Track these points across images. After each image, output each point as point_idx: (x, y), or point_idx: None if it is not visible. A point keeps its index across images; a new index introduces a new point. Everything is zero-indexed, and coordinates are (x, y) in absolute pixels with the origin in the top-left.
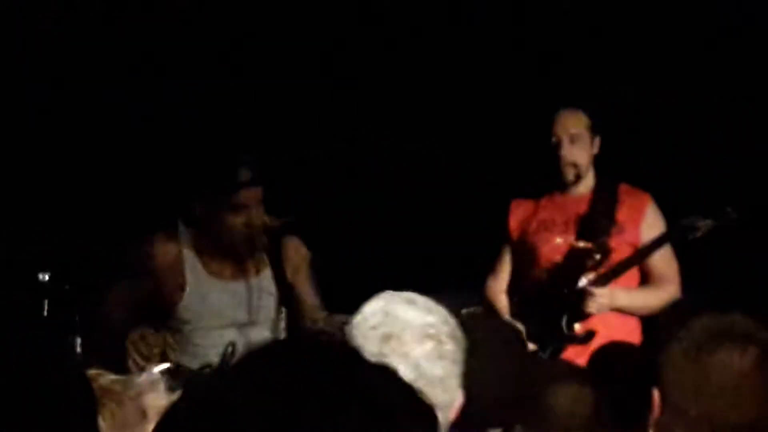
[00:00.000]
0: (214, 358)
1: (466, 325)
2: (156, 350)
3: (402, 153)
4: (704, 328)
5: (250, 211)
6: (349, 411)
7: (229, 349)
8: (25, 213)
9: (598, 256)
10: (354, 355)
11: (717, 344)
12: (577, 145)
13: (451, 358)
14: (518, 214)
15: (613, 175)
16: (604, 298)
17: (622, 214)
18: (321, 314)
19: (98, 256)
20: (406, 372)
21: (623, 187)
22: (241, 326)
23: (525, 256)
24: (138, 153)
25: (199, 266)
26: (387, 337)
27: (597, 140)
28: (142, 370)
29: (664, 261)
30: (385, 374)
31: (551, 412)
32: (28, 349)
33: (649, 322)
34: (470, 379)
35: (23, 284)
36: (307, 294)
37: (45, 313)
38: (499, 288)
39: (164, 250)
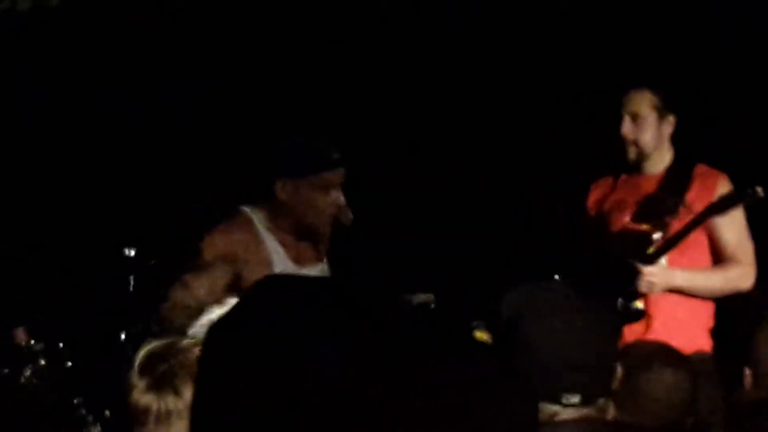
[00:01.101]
0: None
1: (551, 287)
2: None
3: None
4: None
5: (339, 191)
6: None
7: None
8: (111, 191)
9: (657, 235)
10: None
11: None
12: (638, 124)
13: None
14: (596, 193)
15: (705, 157)
16: (653, 277)
17: (692, 194)
18: None
19: (181, 233)
20: None
21: (700, 168)
22: None
23: (597, 234)
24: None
25: (281, 250)
26: None
27: (669, 119)
28: None
29: (735, 241)
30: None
31: (647, 398)
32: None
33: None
34: (551, 342)
35: (110, 259)
36: None
37: (131, 288)
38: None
39: (242, 238)
